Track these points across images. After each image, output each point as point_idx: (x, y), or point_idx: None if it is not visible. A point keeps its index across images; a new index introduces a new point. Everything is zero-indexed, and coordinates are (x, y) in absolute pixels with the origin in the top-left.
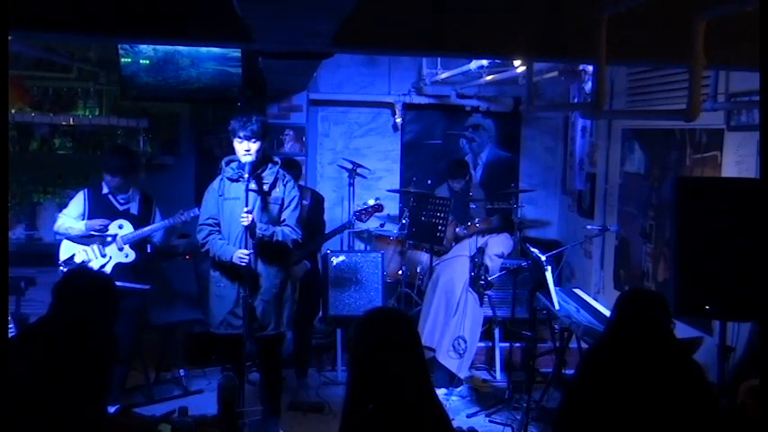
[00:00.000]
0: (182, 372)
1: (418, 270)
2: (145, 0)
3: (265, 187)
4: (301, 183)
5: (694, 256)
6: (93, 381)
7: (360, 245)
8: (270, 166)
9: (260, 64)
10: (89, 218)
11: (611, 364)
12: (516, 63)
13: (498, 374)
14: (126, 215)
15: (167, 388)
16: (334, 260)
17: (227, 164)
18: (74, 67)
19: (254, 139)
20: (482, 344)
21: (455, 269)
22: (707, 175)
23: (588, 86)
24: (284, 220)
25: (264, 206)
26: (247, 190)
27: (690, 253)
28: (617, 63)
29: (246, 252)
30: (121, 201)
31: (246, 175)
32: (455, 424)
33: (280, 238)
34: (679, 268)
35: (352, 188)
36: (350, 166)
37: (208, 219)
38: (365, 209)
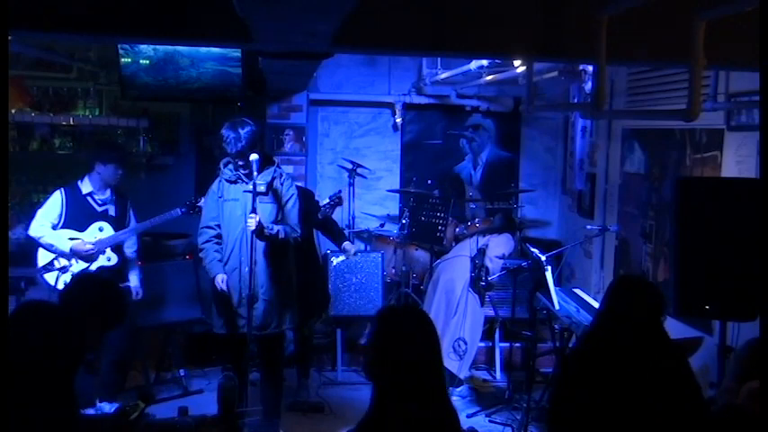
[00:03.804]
0: (182, 372)
1: (418, 270)
2: (145, 0)
3: (262, 188)
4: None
5: (694, 256)
6: (59, 381)
7: (360, 245)
8: (267, 166)
9: (260, 64)
10: (66, 220)
11: (598, 357)
12: (516, 63)
13: (498, 374)
14: (105, 217)
15: (167, 388)
16: (334, 260)
17: (225, 165)
18: (74, 67)
19: (246, 155)
20: (482, 344)
21: (455, 269)
22: (707, 175)
23: (588, 86)
24: (283, 219)
25: (267, 208)
26: (254, 192)
27: (690, 253)
28: (617, 63)
29: (223, 278)
30: (100, 202)
31: (255, 173)
32: None
33: (282, 236)
34: (679, 268)
35: (352, 188)
36: (350, 166)
37: (209, 221)
38: (328, 203)
